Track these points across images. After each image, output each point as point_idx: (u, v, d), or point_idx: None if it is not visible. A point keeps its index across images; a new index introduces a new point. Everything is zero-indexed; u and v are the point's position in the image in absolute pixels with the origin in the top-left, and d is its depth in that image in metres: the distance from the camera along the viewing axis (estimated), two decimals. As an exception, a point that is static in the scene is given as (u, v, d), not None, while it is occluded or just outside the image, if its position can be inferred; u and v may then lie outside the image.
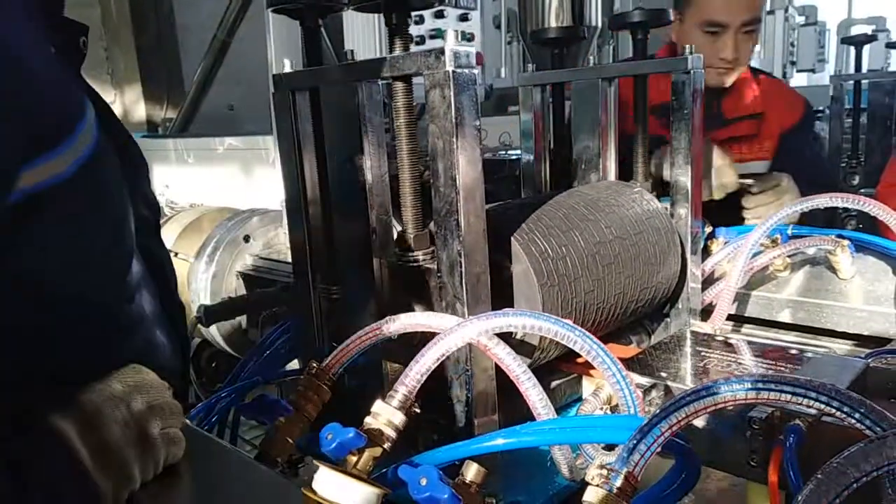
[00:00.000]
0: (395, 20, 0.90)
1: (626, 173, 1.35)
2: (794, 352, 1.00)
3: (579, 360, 1.00)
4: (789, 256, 1.33)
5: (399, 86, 0.95)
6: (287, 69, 1.04)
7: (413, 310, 0.86)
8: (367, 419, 0.70)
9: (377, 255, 0.96)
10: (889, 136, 3.11)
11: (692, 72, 1.16)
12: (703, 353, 1.02)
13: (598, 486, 0.54)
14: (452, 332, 0.73)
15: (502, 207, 1.06)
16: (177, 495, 0.63)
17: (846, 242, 1.25)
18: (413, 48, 0.91)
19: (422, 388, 0.74)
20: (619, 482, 0.53)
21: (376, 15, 0.94)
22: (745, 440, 0.80)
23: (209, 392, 1.62)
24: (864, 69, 3.74)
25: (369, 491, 0.56)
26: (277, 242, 1.75)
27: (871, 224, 1.28)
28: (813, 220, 1.53)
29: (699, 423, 0.81)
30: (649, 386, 0.92)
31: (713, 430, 0.83)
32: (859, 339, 1.24)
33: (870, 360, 0.95)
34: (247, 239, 1.74)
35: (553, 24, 2.28)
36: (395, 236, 1.00)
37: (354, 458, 0.66)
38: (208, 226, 1.86)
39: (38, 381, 0.58)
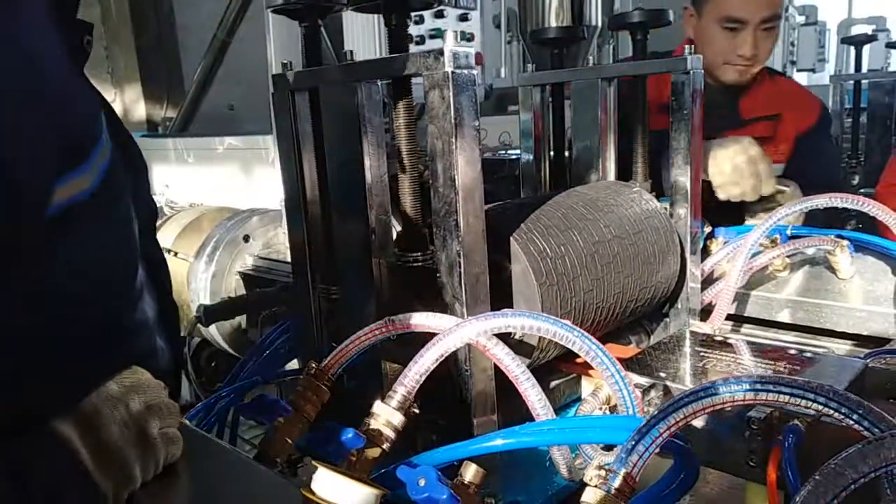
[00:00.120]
0: (394, 20, 0.91)
1: (653, 175, 1.35)
2: (793, 352, 1.00)
3: (578, 360, 1.00)
4: (788, 256, 1.33)
5: (398, 86, 0.96)
6: (286, 70, 1.04)
7: (412, 310, 0.86)
8: (366, 419, 0.70)
9: (376, 255, 0.97)
10: (889, 136, 3.11)
11: (692, 72, 1.16)
12: (702, 354, 1.02)
13: (596, 486, 0.54)
14: (451, 333, 0.73)
15: (501, 207, 1.06)
16: (176, 495, 0.63)
17: (845, 242, 1.25)
18: (413, 48, 0.92)
19: (421, 388, 0.74)
20: (617, 483, 0.53)
21: (376, 15, 0.94)
22: (744, 440, 0.80)
23: (209, 392, 1.62)
24: (864, 69, 3.74)
25: (368, 492, 0.56)
26: (277, 242, 1.75)
27: (870, 224, 1.27)
28: (813, 221, 1.53)
29: (698, 423, 0.81)
30: (648, 386, 0.92)
31: (712, 430, 0.83)
32: (858, 339, 1.24)
33: (868, 361, 0.95)
34: (246, 239, 1.74)
35: (553, 23, 2.28)
36: (395, 236, 1.00)
37: (353, 459, 0.66)
38: (208, 225, 1.86)
39: (43, 385, 0.58)
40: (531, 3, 2.34)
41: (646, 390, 0.92)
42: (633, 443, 0.55)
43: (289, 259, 1.15)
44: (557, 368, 1.06)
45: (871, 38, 3.52)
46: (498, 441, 0.71)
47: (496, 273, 0.90)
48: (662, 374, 0.94)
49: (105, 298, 0.64)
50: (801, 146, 2.00)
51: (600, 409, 0.89)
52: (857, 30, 6.65)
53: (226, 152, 2.80)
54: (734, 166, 1.56)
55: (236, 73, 4.26)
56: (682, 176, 1.20)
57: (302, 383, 0.79)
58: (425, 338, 0.77)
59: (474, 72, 0.83)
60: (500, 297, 0.93)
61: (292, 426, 0.75)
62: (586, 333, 0.75)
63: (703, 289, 1.26)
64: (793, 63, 7.15)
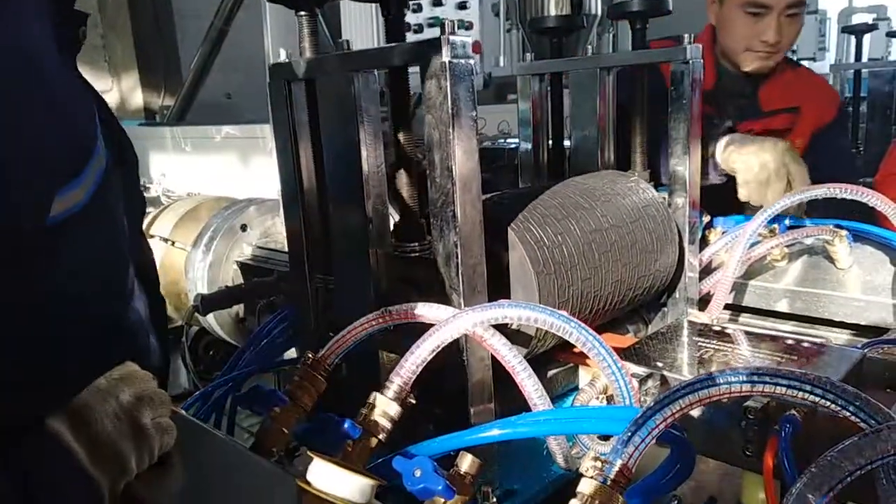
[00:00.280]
0: (392, 9, 0.90)
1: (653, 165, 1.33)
2: (790, 342, 1.00)
3: (576, 349, 1.00)
4: (787, 246, 1.33)
5: (395, 76, 0.95)
6: (283, 59, 1.03)
7: (409, 300, 0.86)
8: (363, 410, 0.70)
9: (374, 245, 0.96)
10: (889, 125, 3.10)
11: (691, 61, 1.15)
12: (699, 343, 1.02)
13: (592, 477, 0.54)
14: (448, 324, 0.73)
15: (498, 197, 1.06)
16: (171, 485, 0.63)
17: (844, 232, 1.25)
18: (411, 37, 0.91)
19: (418, 377, 0.74)
20: (613, 474, 0.53)
21: (374, 4, 0.93)
22: (741, 430, 0.80)
23: (206, 380, 1.62)
24: (865, 58, 3.72)
25: (363, 482, 0.56)
26: (275, 232, 1.75)
27: (869, 213, 1.27)
28: (816, 213, 1.52)
29: (694, 412, 0.81)
30: (645, 376, 0.92)
31: (708, 420, 0.83)
32: (856, 329, 1.24)
33: (867, 350, 0.95)
34: (244, 228, 1.73)
35: (552, 12, 2.27)
36: (392, 226, 1.00)
37: (350, 449, 0.66)
38: (205, 215, 1.85)
39: (43, 386, 0.58)
40: (530, -9, 2.32)
41: (643, 380, 0.91)
42: (630, 434, 0.55)
43: (286, 249, 1.15)
44: (555, 358, 1.06)
45: (871, 28, 3.51)
46: (495, 431, 0.71)
47: (494, 262, 0.90)
48: (660, 364, 0.94)
49: (101, 300, 0.64)
50: (818, 142, 1.94)
51: (597, 398, 0.89)
52: (857, 19, 6.61)
53: (223, 141, 2.79)
54: (762, 165, 1.48)
55: (234, 61, 4.25)
56: (680, 165, 1.20)
57: (298, 373, 0.79)
58: (422, 328, 0.77)
59: (472, 61, 0.82)
60: (498, 287, 0.92)
61: (289, 416, 0.75)
62: (583, 324, 0.74)
63: (701, 278, 1.26)
64: (793, 52, 7.10)
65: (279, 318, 1.34)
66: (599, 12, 2.35)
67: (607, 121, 1.32)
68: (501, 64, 4.30)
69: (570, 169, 1.39)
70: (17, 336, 0.55)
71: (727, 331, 1.07)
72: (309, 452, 0.57)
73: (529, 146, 1.45)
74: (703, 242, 1.34)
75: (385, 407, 0.70)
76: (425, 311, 0.80)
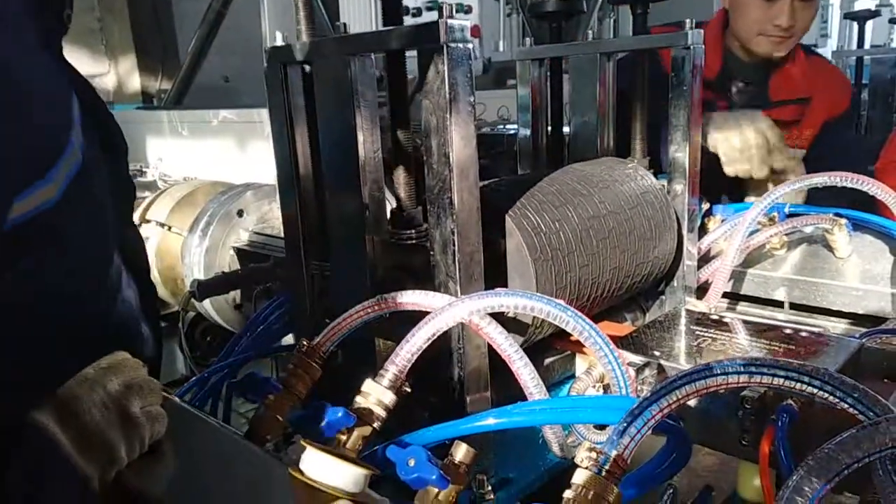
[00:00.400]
0: (389, -8, 0.88)
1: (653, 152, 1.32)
2: (788, 331, 0.99)
3: (573, 337, 0.99)
4: (786, 235, 1.32)
5: (392, 60, 0.94)
6: (279, 42, 1.02)
7: (406, 288, 0.86)
8: (357, 398, 0.70)
9: (370, 232, 0.95)
10: (890, 113, 3.09)
11: (692, 47, 1.14)
12: (697, 332, 1.02)
13: (587, 468, 0.53)
14: (443, 312, 0.72)
15: (495, 184, 1.05)
16: (162, 474, 0.63)
17: (843, 221, 1.24)
18: (409, 20, 0.89)
19: (413, 365, 0.73)
20: (608, 465, 0.53)
21: (370, -14, 0.92)
22: (738, 419, 0.80)
23: (204, 366, 1.62)
24: (867, 45, 3.70)
25: (357, 472, 0.56)
26: (272, 217, 1.74)
27: (869, 200, 1.26)
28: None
29: (691, 402, 0.81)
30: (642, 364, 0.91)
31: (705, 409, 0.83)
32: (855, 318, 1.23)
33: (864, 340, 0.95)
34: (240, 213, 1.72)
35: (552, -4, 2.24)
36: (389, 213, 0.99)
37: (344, 438, 0.66)
38: (202, 200, 1.84)
39: (30, 384, 0.58)
40: (530, -26, 2.29)
41: (640, 369, 0.91)
42: (625, 425, 0.54)
43: (283, 234, 1.14)
44: (552, 346, 1.05)
45: (874, 14, 3.48)
46: (490, 420, 0.71)
47: (491, 250, 0.89)
48: (657, 353, 0.93)
49: (84, 293, 0.63)
50: (827, 134, 1.90)
51: (594, 387, 0.89)
52: (860, 5, 6.56)
53: (221, 125, 2.77)
54: (743, 139, 1.51)
55: (232, 44, 4.21)
56: (680, 152, 1.19)
57: (293, 361, 0.78)
58: (419, 315, 0.76)
59: (470, 45, 0.81)
60: (495, 274, 0.92)
61: (283, 404, 0.74)
62: (580, 313, 0.74)
63: (699, 267, 1.26)
64: (795, 38, 7.05)
65: (276, 305, 1.33)
66: (600, -3, 2.32)
67: (607, 107, 1.31)
68: (501, 48, 4.27)
69: (569, 155, 1.38)
70: None
71: (725, 320, 1.06)
72: (302, 441, 0.56)
73: (528, 132, 1.43)
74: (702, 230, 1.34)
75: (380, 395, 0.69)
76: (421, 298, 0.80)
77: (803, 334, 0.98)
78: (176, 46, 4.79)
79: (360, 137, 0.93)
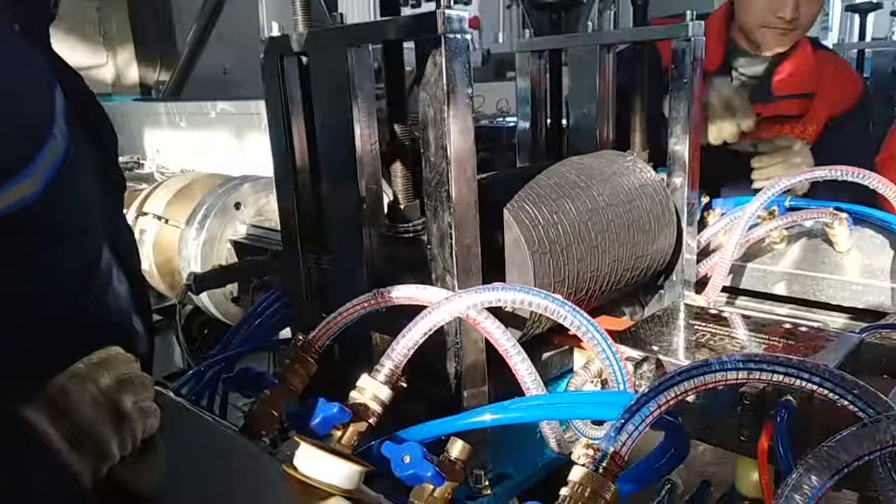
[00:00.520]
0: (386, -18, 0.87)
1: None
2: (788, 326, 0.99)
3: (571, 332, 0.99)
4: (786, 229, 1.32)
5: (390, 51, 0.93)
6: (276, 32, 1.00)
7: (403, 281, 0.85)
8: (353, 394, 0.69)
9: (367, 225, 0.95)
10: (891, 107, 3.07)
11: (693, 39, 1.13)
12: (696, 327, 1.01)
13: (583, 465, 0.53)
14: (440, 307, 0.72)
15: (492, 177, 1.04)
16: (155, 470, 0.62)
17: (844, 215, 1.24)
18: (408, 11, 0.88)
19: (411, 358, 0.73)
20: (605, 462, 0.52)
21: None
22: (736, 415, 0.79)
23: (201, 360, 1.62)
24: (868, 38, 3.68)
25: (351, 468, 0.55)
26: (269, 210, 1.73)
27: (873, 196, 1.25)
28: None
29: (689, 397, 0.80)
30: (641, 359, 0.91)
31: (704, 405, 0.83)
32: (854, 313, 1.23)
33: (864, 335, 0.94)
34: (238, 206, 1.71)
35: (552, -13, 2.22)
36: (386, 206, 0.98)
37: (339, 433, 0.65)
38: (199, 192, 1.83)
39: (20, 382, 0.57)
40: (530, -35, 2.28)
41: (638, 364, 0.91)
42: (623, 421, 0.54)
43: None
44: (550, 340, 1.05)
45: (875, 6, 3.45)
46: (486, 416, 0.70)
47: (488, 243, 0.89)
48: (655, 348, 0.93)
49: (71, 287, 0.62)
50: (831, 131, 1.85)
51: (591, 382, 0.88)
52: (861, -3, 6.53)
53: (218, 117, 2.76)
54: (718, 98, 1.55)
55: (230, 35, 4.19)
56: (679, 145, 1.18)
57: (289, 355, 0.77)
58: (416, 309, 0.76)
59: (468, 36, 0.80)
60: (493, 267, 0.91)
61: (279, 399, 0.74)
62: (577, 308, 0.73)
63: (698, 261, 1.25)
64: (796, 30, 7.01)
65: (273, 298, 1.33)
66: (600, -12, 2.30)
67: (607, 99, 1.30)
68: (500, 40, 4.25)
69: (568, 148, 1.37)
70: None
71: (724, 314, 1.06)
72: (296, 438, 0.56)
73: (528, 125, 1.42)
74: (702, 224, 1.33)
75: (376, 390, 0.69)
76: (418, 292, 0.79)
77: (803, 329, 0.97)
78: (174, 37, 4.76)
79: (357, 130, 0.92)
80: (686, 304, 1.13)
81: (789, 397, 0.73)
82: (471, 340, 0.84)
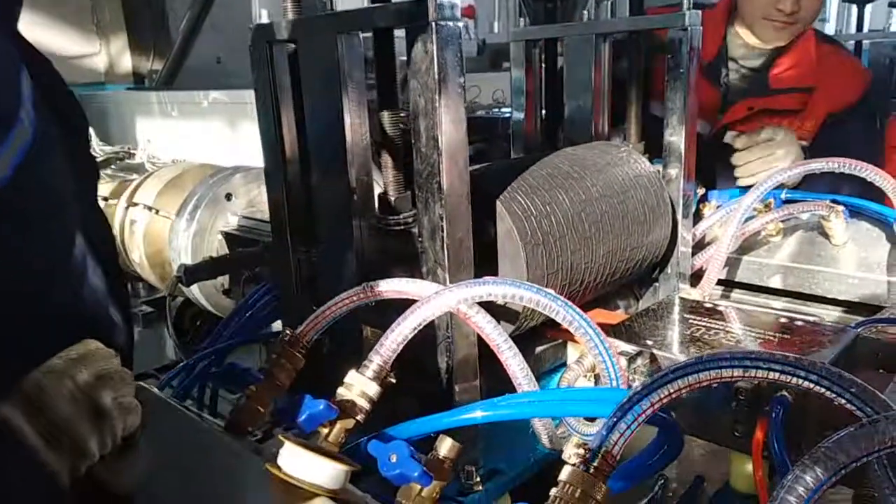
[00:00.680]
0: (376, -32, 0.85)
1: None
2: (783, 320, 0.98)
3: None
4: (782, 222, 1.31)
5: (380, 39, 0.91)
6: (265, 20, 0.98)
7: (394, 274, 0.83)
8: (340, 390, 0.68)
9: (357, 217, 0.93)
10: (889, 98, 3.06)
11: (689, 28, 1.11)
12: (690, 321, 1.00)
13: (574, 465, 0.51)
14: (430, 301, 0.70)
15: (484, 169, 1.02)
16: (135, 468, 0.61)
17: (840, 208, 1.23)
18: (399, -2, 0.86)
19: (401, 353, 0.71)
20: (596, 462, 0.51)
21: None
22: (731, 410, 0.78)
23: (193, 352, 1.60)
24: (866, 29, 3.67)
25: (336, 468, 0.54)
26: (260, 201, 1.71)
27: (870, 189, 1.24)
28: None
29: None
30: (635, 354, 0.90)
31: (698, 400, 0.82)
32: (850, 306, 1.22)
33: (860, 330, 0.93)
34: (229, 197, 1.69)
35: (548, -24, 2.20)
36: (377, 198, 0.96)
37: (326, 431, 0.64)
38: (190, 182, 1.80)
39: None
40: (526, -47, 2.25)
41: (632, 358, 0.90)
42: (615, 420, 0.52)
43: (269, 219, 1.11)
44: (543, 334, 1.04)
45: (873, -3, 3.43)
46: (477, 413, 0.69)
47: (480, 235, 0.87)
48: (649, 342, 0.92)
49: (42, 279, 0.60)
50: (830, 127, 1.79)
51: (585, 376, 0.87)
52: (859, -12, 6.50)
53: (211, 107, 2.73)
54: None
55: (224, 24, 4.15)
56: (675, 136, 1.16)
57: (276, 350, 0.76)
58: (408, 303, 0.74)
59: (460, 24, 0.78)
60: (486, 260, 0.90)
61: (265, 395, 0.72)
62: (570, 302, 0.72)
63: (694, 253, 1.24)
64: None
65: (264, 290, 1.31)
66: (597, -23, 2.27)
67: (602, 90, 1.28)
68: (496, 30, 4.21)
69: (563, 139, 1.36)
70: None
71: (719, 308, 1.05)
72: (280, 436, 0.54)
73: (522, 116, 1.41)
74: (697, 216, 1.32)
75: (364, 387, 0.67)
76: (408, 286, 0.78)
77: (798, 323, 0.96)
78: (168, 26, 4.72)
79: (348, 119, 0.90)
80: (681, 298, 1.12)
81: (784, 392, 0.73)
82: (462, 335, 0.83)
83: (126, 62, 4.83)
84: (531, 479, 0.87)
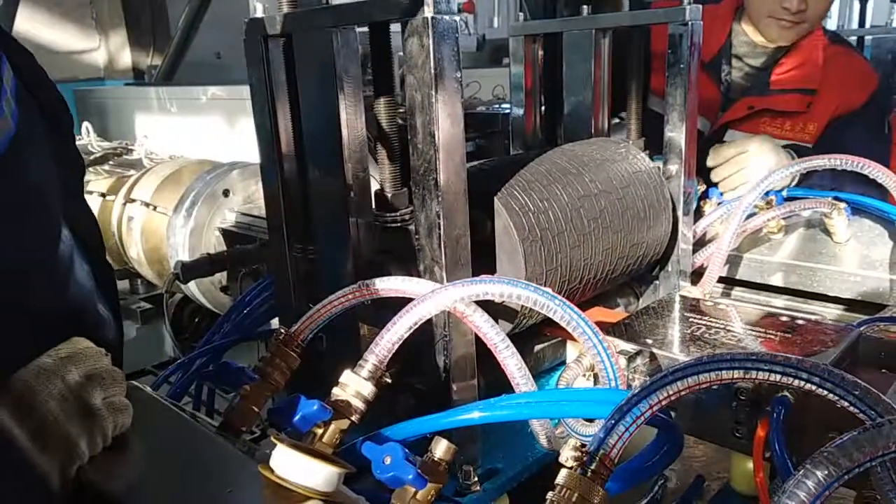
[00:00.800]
0: (373, -39, 0.84)
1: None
2: (785, 318, 0.97)
3: (562, 324, 0.97)
4: (784, 219, 1.30)
5: (376, 33, 0.90)
6: (259, 13, 0.97)
7: (391, 272, 0.82)
8: (335, 390, 0.67)
9: (354, 214, 0.92)
10: (891, 95, 3.04)
11: (690, 23, 1.10)
12: (691, 319, 0.99)
13: (571, 468, 0.50)
14: (426, 300, 0.69)
15: (481, 164, 1.01)
16: (126, 470, 0.60)
17: (843, 205, 1.22)
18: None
19: (399, 351, 0.70)
20: (593, 465, 0.50)
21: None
22: (731, 411, 0.77)
23: (191, 349, 1.59)
24: (868, 24, 3.65)
25: (329, 470, 0.53)
26: (258, 197, 1.69)
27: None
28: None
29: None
30: (634, 353, 0.88)
31: (698, 400, 0.81)
32: (852, 304, 1.21)
33: (863, 329, 0.92)
34: (226, 193, 1.68)
35: (548, -30, 2.18)
36: (374, 194, 0.95)
37: (320, 431, 0.63)
38: (187, 178, 1.79)
39: None
40: (526, -52, 2.24)
41: (631, 357, 0.88)
42: (613, 422, 0.51)
43: (265, 215, 1.10)
44: (542, 332, 1.03)
45: (876, -8, 3.41)
46: (475, 414, 0.68)
47: (478, 231, 0.86)
48: (649, 341, 0.90)
49: (29, 273, 0.59)
50: (834, 131, 1.74)
51: (584, 375, 0.86)
52: (862, -16, 6.47)
53: (210, 102, 2.72)
54: None
55: (223, 18, 4.14)
56: (675, 132, 1.15)
57: (270, 349, 0.75)
58: (405, 300, 0.73)
59: (457, 18, 0.77)
60: (483, 257, 0.89)
61: (259, 395, 0.71)
62: (568, 301, 0.71)
63: (694, 251, 1.23)
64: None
65: (261, 287, 1.30)
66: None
67: (602, 86, 1.27)
68: (496, 25, 4.19)
69: (563, 136, 1.35)
70: None
71: (720, 306, 1.03)
72: (273, 437, 0.53)
73: (521, 112, 1.39)
74: (698, 213, 1.31)
75: (359, 387, 0.66)
76: (404, 285, 0.76)
77: (800, 322, 0.95)
78: (167, 21, 4.71)
79: (344, 115, 0.89)
80: (681, 296, 1.10)
81: (785, 393, 0.71)
82: (460, 333, 0.82)
83: (125, 57, 4.81)
84: (530, 479, 0.86)
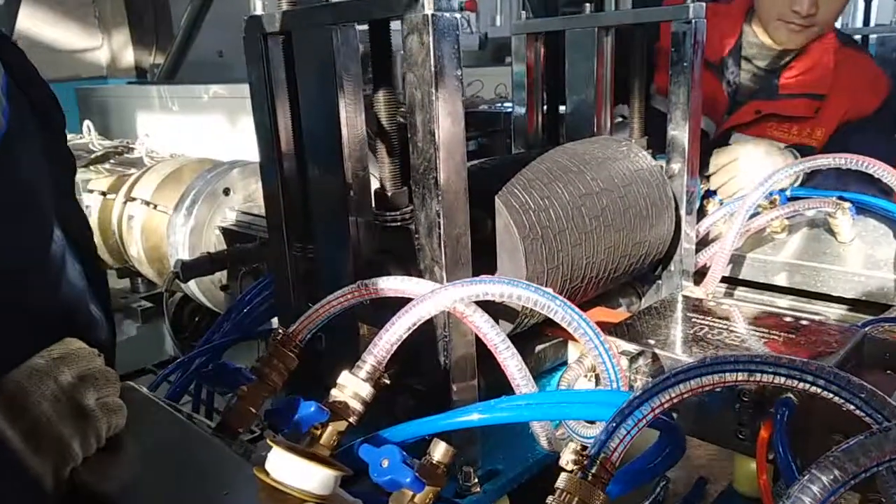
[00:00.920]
0: (373, -43, 0.83)
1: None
2: (788, 319, 0.96)
3: (564, 325, 0.96)
4: (788, 218, 1.29)
5: (376, 30, 0.89)
6: (259, 11, 0.96)
7: (390, 272, 0.82)
8: (333, 391, 0.66)
9: (354, 213, 0.91)
10: (894, 93, 3.03)
11: (694, 21, 1.09)
12: (694, 320, 0.98)
13: (571, 472, 0.50)
14: (425, 300, 0.68)
15: (482, 164, 1.01)
16: (119, 471, 0.59)
17: (847, 205, 1.21)
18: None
19: (398, 351, 0.70)
20: (594, 469, 0.49)
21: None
22: (735, 413, 0.76)
23: (193, 348, 1.59)
24: (873, 23, 3.63)
25: (325, 473, 0.52)
26: (258, 196, 1.69)
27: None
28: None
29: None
30: (636, 353, 0.88)
31: (700, 402, 0.80)
32: (856, 304, 1.20)
33: (867, 329, 0.91)
34: (227, 192, 1.67)
35: (551, -32, 2.18)
36: (374, 193, 0.94)
37: (317, 433, 0.62)
38: (188, 177, 1.79)
39: None
40: (529, -54, 2.22)
41: (633, 358, 0.87)
42: (614, 425, 0.51)
43: (265, 214, 1.09)
44: (543, 332, 1.02)
45: (881, -9, 3.40)
46: (474, 416, 0.67)
47: (478, 230, 0.85)
48: (651, 342, 0.89)
49: (21, 272, 0.58)
50: (842, 137, 1.70)
51: (585, 376, 0.85)
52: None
53: (211, 101, 2.71)
54: None
55: (225, 17, 4.14)
56: (678, 131, 1.14)
57: (268, 349, 0.74)
58: (405, 300, 0.73)
59: (457, 15, 0.76)
60: (484, 256, 0.88)
61: (257, 395, 0.70)
62: (569, 302, 0.70)
63: (697, 250, 1.22)
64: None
65: (261, 286, 1.30)
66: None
67: (605, 84, 1.26)
68: (498, 23, 4.18)
69: (565, 134, 1.34)
70: None
71: (723, 306, 1.02)
72: (269, 440, 0.53)
73: (524, 110, 1.39)
74: (701, 213, 1.30)
75: (357, 388, 0.66)
76: (403, 285, 0.76)
77: (804, 322, 0.94)
78: (170, 20, 4.71)
79: (344, 114, 0.88)
80: (684, 296, 1.09)
81: (789, 394, 0.71)
82: (460, 333, 0.81)
83: (128, 56, 4.82)
84: (531, 480, 0.85)
